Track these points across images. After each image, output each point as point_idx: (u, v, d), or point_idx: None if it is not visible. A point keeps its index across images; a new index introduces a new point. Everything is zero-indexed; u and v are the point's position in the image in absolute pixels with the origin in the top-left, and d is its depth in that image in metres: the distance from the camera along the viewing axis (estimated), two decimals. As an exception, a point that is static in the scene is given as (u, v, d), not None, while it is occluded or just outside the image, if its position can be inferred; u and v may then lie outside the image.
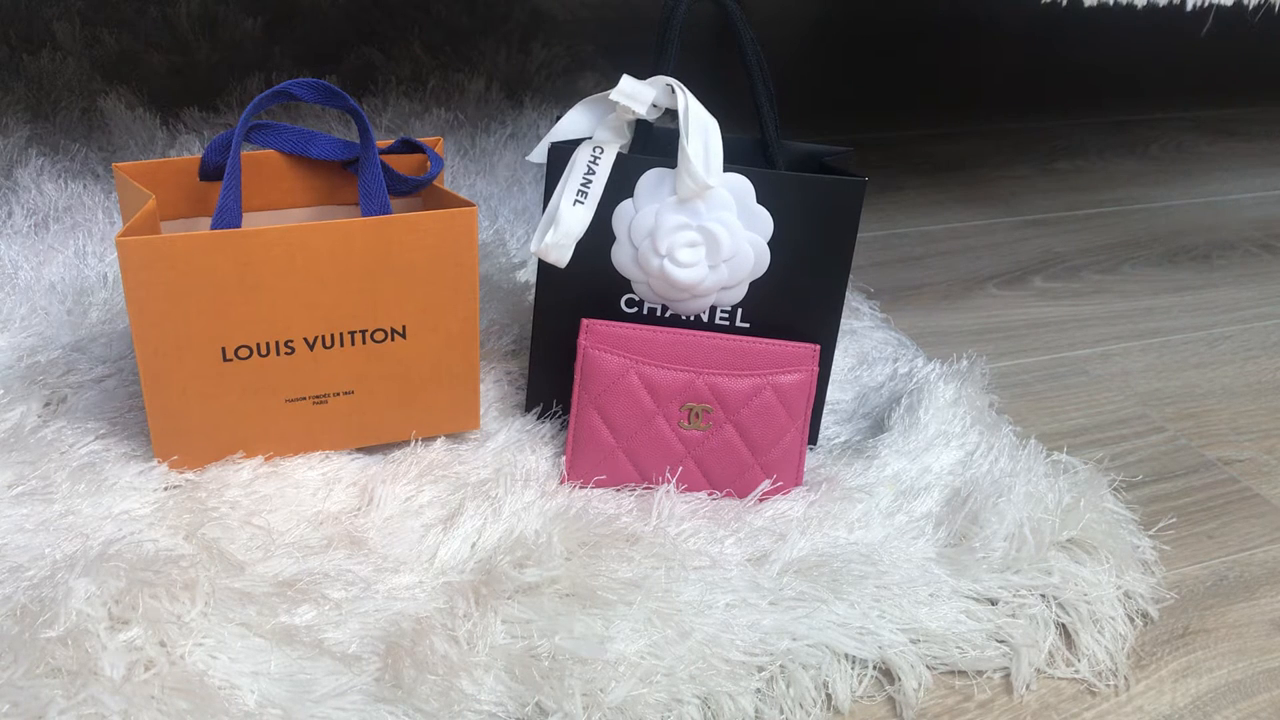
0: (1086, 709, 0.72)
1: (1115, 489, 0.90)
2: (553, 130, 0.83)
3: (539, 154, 0.84)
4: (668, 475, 0.84)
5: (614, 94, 0.80)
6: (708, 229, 0.81)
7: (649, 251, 0.82)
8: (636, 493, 0.84)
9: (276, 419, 0.82)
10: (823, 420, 0.95)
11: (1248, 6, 1.19)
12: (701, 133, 0.79)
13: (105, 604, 0.66)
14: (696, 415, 0.83)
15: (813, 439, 0.92)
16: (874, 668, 0.73)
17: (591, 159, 0.81)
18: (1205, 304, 1.30)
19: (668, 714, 0.67)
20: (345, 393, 0.83)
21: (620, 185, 0.82)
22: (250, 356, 0.78)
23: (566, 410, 0.91)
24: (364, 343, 0.81)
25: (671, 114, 0.81)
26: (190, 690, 0.63)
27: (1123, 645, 0.76)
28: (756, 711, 0.68)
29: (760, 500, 0.84)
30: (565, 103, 1.29)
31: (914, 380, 0.99)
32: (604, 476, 0.84)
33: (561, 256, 0.82)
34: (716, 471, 0.84)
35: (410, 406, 0.85)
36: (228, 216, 0.79)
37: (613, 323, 0.83)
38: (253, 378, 0.79)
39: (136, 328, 0.75)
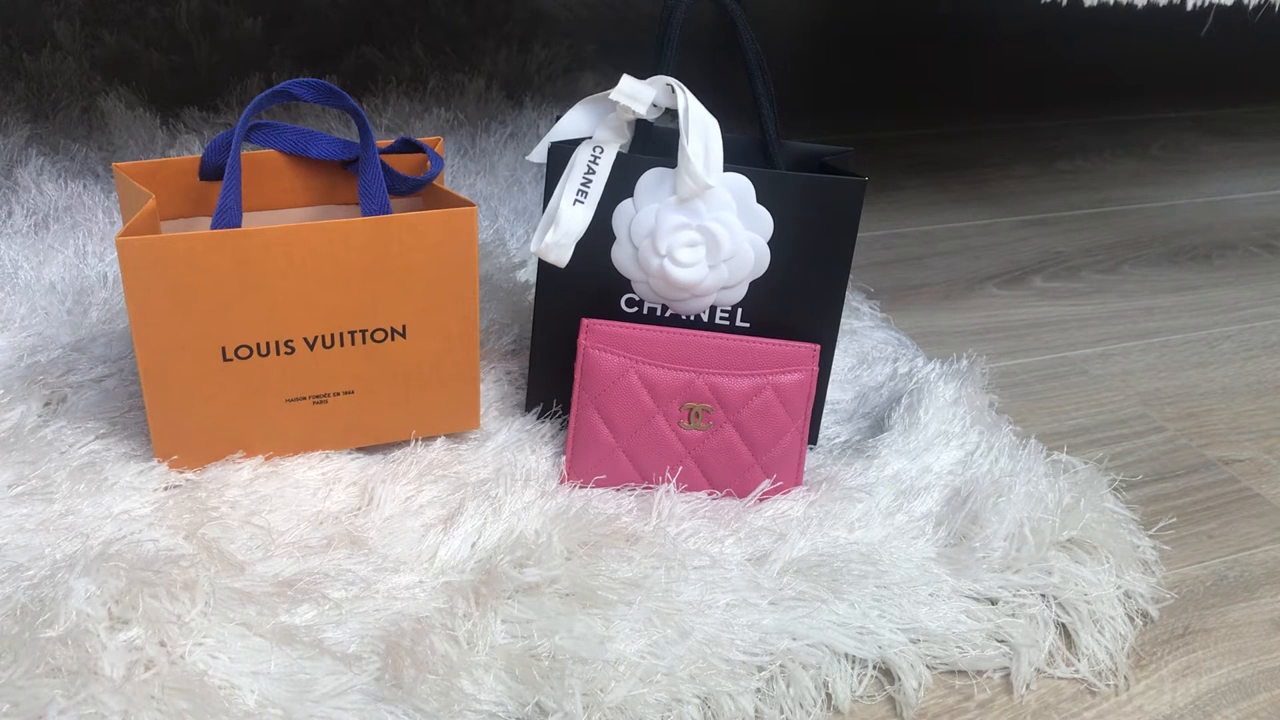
0: (1086, 709, 0.72)
1: (1115, 489, 0.90)
2: (553, 130, 0.83)
3: (539, 154, 0.84)
4: (668, 475, 0.84)
5: (614, 94, 0.80)
6: (708, 229, 0.81)
7: (649, 251, 0.82)
8: (636, 492, 0.84)
9: (276, 419, 0.82)
10: (823, 420, 0.95)
11: (1248, 6, 1.19)
12: (701, 132, 0.79)
13: (105, 604, 0.66)
14: (696, 415, 0.83)
15: (813, 439, 0.92)
16: (874, 667, 0.73)
17: (591, 159, 0.81)
18: (1205, 304, 1.30)
19: (668, 714, 0.67)
20: (345, 392, 0.83)
21: (620, 185, 0.82)
22: (250, 356, 0.78)
23: (566, 410, 0.91)
24: (364, 342, 0.81)
25: (671, 114, 0.81)
26: (190, 690, 0.63)
27: (1123, 645, 0.76)
28: (756, 711, 0.68)
29: (760, 500, 0.84)
30: (565, 103, 1.29)
31: (914, 380, 0.99)
32: (604, 476, 0.84)
33: (561, 256, 0.82)
34: (716, 471, 0.84)
35: (410, 406, 0.85)
36: (228, 216, 0.79)
37: (613, 322, 0.83)
38: (253, 378, 0.79)
39: (136, 328, 0.75)
